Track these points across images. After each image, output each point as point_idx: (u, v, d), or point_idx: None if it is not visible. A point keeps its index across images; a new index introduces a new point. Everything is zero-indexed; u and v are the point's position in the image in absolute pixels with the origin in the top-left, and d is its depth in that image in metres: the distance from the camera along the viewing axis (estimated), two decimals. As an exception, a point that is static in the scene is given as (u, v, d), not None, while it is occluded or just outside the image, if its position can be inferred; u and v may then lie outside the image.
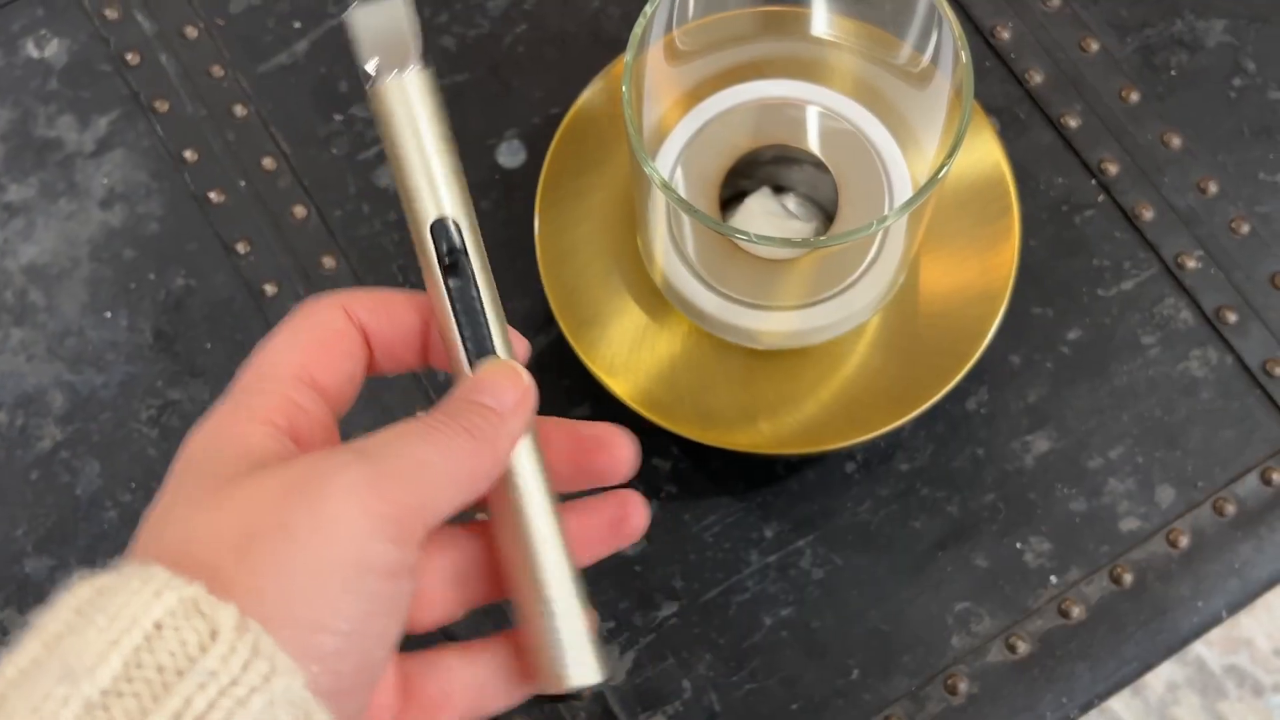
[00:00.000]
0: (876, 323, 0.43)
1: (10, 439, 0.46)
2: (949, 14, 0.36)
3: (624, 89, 0.36)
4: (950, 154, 0.35)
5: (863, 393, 0.42)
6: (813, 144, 0.43)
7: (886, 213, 0.41)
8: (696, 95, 0.43)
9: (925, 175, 0.41)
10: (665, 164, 0.43)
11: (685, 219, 0.42)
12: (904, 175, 0.42)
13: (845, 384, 0.42)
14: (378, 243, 0.48)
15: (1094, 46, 0.49)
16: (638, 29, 0.37)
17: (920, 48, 0.39)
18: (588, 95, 0.46)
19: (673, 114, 0.43)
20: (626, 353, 0.43)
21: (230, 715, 0.22)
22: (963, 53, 0.35)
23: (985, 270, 0.43)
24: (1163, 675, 0.43)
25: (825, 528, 0.44)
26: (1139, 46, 0.49)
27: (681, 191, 0.43)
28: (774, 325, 0.42)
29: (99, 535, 0.45)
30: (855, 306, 0.41)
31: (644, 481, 0.45)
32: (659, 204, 0.41)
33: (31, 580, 0.45)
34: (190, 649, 0.23)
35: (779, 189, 0.44)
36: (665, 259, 0.42)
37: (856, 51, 0.41)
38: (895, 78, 0.41)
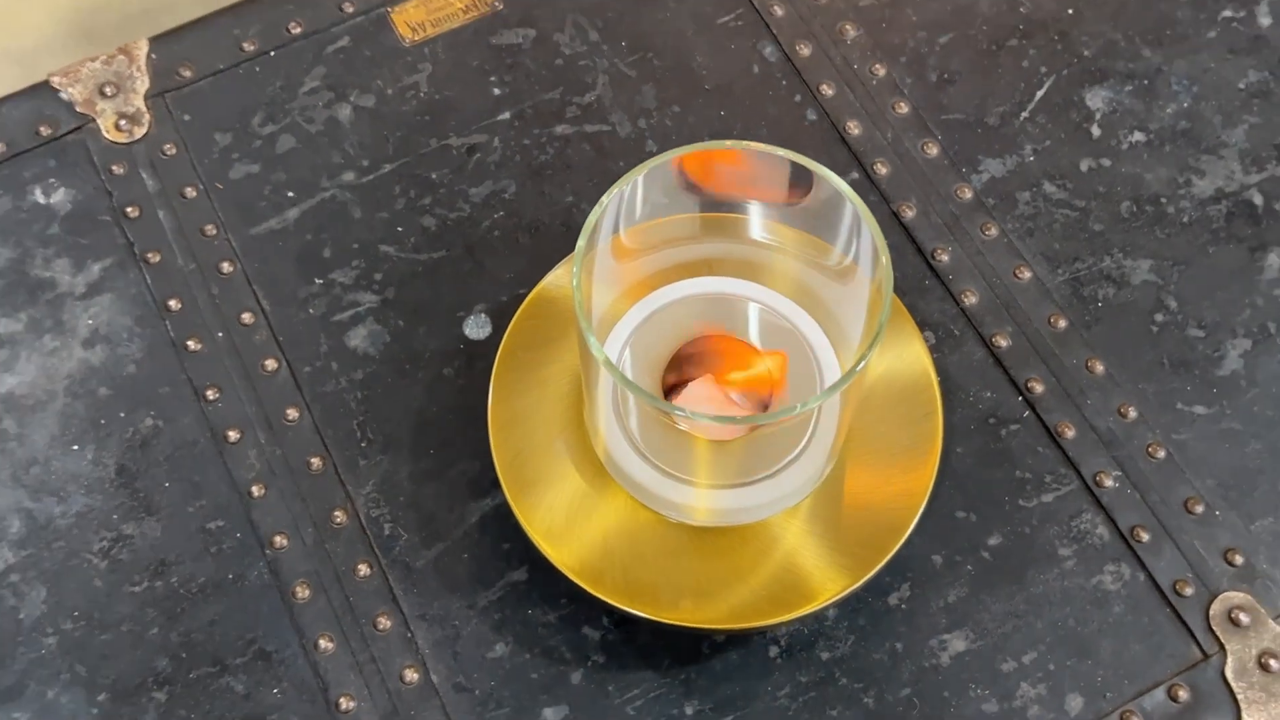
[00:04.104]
0: (805, 509, 0.45)
1: (-37, 559, 0.48)
2: (871, 223, 0.40)
3: (574, 270, 0.39)
4: (871, 345, 0.38)
5: (786, 574, 0.44)
6: (753, 337, 0.46)
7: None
8: (647, 285, 0.46)
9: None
10: (614, 346, 0.45)
11: (630, 396, 0.45)
12: (835, 369, 0.45)
13: (772, 565, 0.44)
14: (341, 399, 0.51)
15: (1026, 274, 0.53)
16: (592, 219, 0.40)
17: (847, 250, 0.42)
18: (551, 278, 0.49)
19: (623, 302, 0.46)
20: (565, 520, 0.45)
21: None
22: (882, 256, 0.39)
23: (908, 469, 0.45)
24: None
25: (745, 710, 0.46)
26: (1069, 278, 0.53)
27: (628, 372, 0.45)
28: (708, 502, 0.44)
29: (35, 661, 0.46)
30: (786, 489, 0.43)
31: (573, 649, 0.46)
32: (605, 381, 0.43)
33: (-38, 699, 0.45)
34: None
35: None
36: (608, 432, 0.45)
37: (791, 254, 0.45)
38: (826, 277, 0.44)
